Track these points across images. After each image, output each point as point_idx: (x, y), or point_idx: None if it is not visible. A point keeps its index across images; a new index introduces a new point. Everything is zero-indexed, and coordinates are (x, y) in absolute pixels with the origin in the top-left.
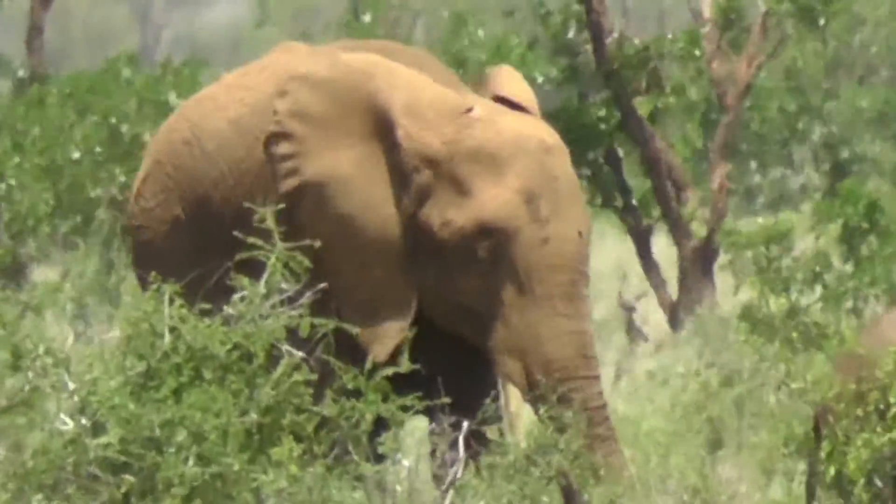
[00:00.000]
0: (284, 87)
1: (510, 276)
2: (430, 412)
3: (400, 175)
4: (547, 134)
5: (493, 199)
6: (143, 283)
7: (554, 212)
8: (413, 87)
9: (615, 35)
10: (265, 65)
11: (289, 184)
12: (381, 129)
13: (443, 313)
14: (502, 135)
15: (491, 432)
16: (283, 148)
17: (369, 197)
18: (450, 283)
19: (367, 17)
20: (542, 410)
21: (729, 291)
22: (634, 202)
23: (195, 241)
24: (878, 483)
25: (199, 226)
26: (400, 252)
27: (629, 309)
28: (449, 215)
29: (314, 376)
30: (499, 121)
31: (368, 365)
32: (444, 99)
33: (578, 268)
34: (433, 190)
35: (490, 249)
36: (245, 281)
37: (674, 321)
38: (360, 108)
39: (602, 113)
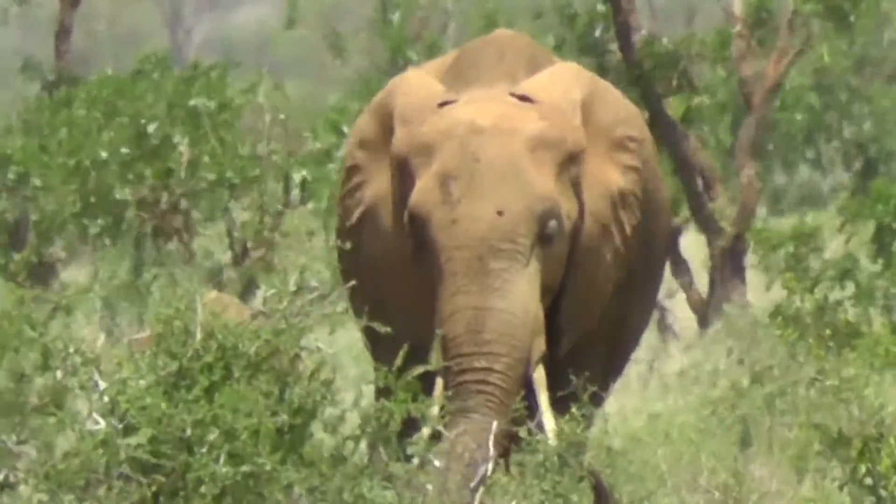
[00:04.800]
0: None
1: (430, 261)
2: None
3: (403, 181)
4: (487, 117)
5: (416, 188)
6: None
7: (467, 192)
8: (408, 92)
9: (643, 34)
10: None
11: (357, 214)
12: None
13: None
14: (439, 124)
15: (521, 431)
16: (355, 179)
17: (395, 212)
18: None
19: (396, 17)
20: (574, 408)
21: (759, 289)
22: None
23: None
24: None
25: None
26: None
27: (660, 307)
28: (405, 213)
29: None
30: (451, 111)
31: (398, 363)
32: (430, 98)
33: (492, 244)
34: (404, 191)
35: (415, 236)
36: (275, 278)
37: (703, 319)
38: (389, 125)
39: None
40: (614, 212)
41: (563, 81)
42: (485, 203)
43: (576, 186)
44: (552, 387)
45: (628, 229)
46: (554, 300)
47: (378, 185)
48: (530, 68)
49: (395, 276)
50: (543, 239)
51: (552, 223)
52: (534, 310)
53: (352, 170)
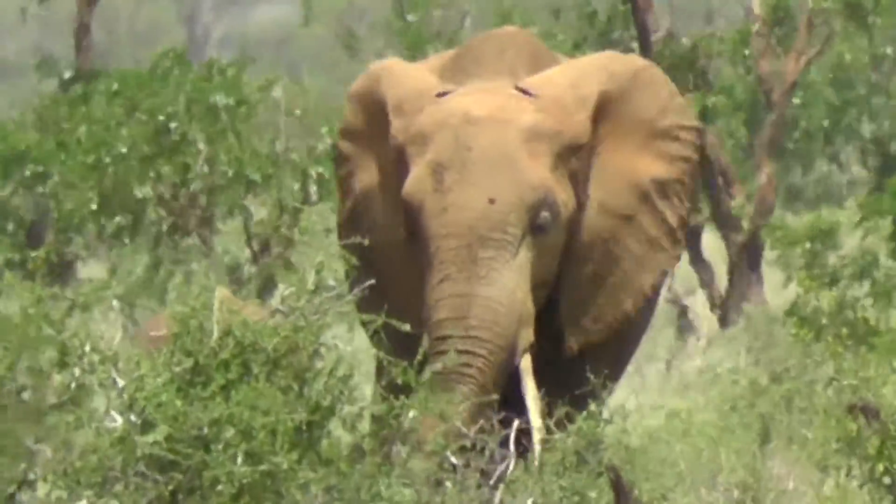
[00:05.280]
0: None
1: (421, 249)
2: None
3: (399, 171)
4: (482, 108)
5: (410, 177)
6: None
7: (458, 181)
8: (400, 82)
9: (661, 33)
10: None
11: (347, 204)
12: (387, 131)
13: None
14: (434, 114)
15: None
16: (342, 169)
17: (389, 202)
18: None
19: (412, 17)
20: (591, 405)
21: (778, 287)
22: None
23: None
24: None
25: None
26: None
27: (680, 305)
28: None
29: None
30: (447, 101)
31: (419, 358)
32: (422, 90)
33: (481, 233)
34: (401, 181)
35: (408, 224)
36: (293, 276)
37: (723, 317)
38: (378, 115)
39: None
40: (645, 203)
41: (575, 75)
42: (476, 192)
43: (577, 179)
44: (561, 382)
45: (673, 219)
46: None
47: (368, 177)
48: (531, 64)
49: (390, 267)
50: (535, 229)
51: (544, 214)
52: (521, 299)
53: (338, 158)
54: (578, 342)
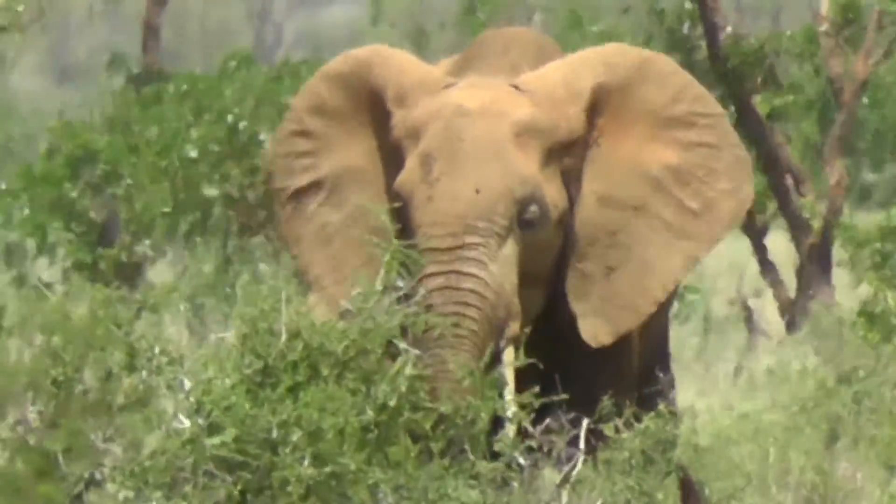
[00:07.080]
0: (307, 84)
1: (409, 239)
2: (543, 408)
3: (397, 164)
4: (475, 101)
5: (403, 169)
6: None
7: (447, 171)
8: (401, 72)
9: (729, 30)
10: None
11: (304, 179)
12: (384, 119)
13: None
14: (429, 106)
15: (608, 428)
16: (301, 145)
17: (381, 187)
18: None
19: (481, 15)
20: (661, 405)
21: (848, 288)
22: None
23: None
24: None
25: None
26: None
27: (747, 306)
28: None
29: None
30: (443, 94)
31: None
32: (425, 81)
33: (468, 222)
34: (397, 173)
35: (399, 216)
36: (361, 278)
37: (791, 318)
38: (368, 100)
39: None
40: (658, 191)
41: (570, 70)
42: (464, 182)
43: (570, 176)
44: (575, 381)
45: (695, 203)
46: (556, 293)
47: (342, 157)
48: (536, 62)
49: (349, 250)
50: (523, 224)
51: (533, 207)
52: (509, 290)
53: (299, 134)
54: (612, 332)
